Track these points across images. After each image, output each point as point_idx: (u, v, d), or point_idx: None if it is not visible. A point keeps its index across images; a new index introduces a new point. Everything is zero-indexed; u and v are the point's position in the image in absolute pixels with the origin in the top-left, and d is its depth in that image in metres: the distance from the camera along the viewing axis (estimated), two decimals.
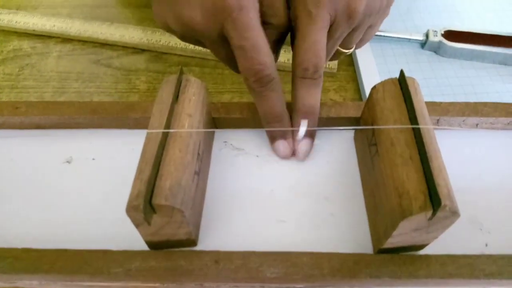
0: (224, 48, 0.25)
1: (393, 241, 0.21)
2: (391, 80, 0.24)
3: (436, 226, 0.20)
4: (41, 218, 0.25)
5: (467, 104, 0.29)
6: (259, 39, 0.23)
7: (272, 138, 0.27)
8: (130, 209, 0.19)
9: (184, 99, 0.23)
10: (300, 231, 0.24)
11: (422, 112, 0.22)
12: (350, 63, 0.42)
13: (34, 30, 0.49)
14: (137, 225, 0.20)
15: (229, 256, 0.22)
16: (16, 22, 0.50)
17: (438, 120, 0.28)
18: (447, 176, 0.20)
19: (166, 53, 0.45)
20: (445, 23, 0.43)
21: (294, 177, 0.27)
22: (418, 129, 0.21)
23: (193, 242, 0.23)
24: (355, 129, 0.29)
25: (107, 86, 0.42)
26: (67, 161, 0.27)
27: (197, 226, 0.23)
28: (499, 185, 0.26)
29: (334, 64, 0.41)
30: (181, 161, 0.20)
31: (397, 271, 0.21)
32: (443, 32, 0.42)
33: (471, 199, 0.25)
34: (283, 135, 0.27)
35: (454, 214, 0.19)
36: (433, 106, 0.28)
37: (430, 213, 0.19)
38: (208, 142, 0.26)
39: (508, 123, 0.29)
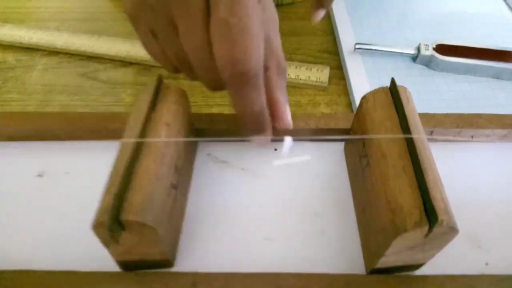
0: (202, 26, 0.19)
1: (386, 260, 0.19)
2: (382, 89, 0.23)
3: (433, 244, 0.18)
4: (6, 236, 0.23)
5: (461, 115, 0.28)
6: (254, 21, 0.18)
7: (249, 133, 0.22)
8: (97, 226, 0.17)
9: (162, 107, 0.22)
10: (288, 250, 0.22)
11: (414, 121, 0.21)
12: (342, 76, 0.41)
13: (20, 43, 0.48)
14: (106, 245, 0.19)
15: (208, 278, 0.20)
16: (3, 34, 0.49)
17: (432, 131, 0.27)
18: (443, 189, 0.18)
19: (154, 66, 0.44)
20: (436, 37, 0.43)
21: (282, 192, 0.25)
22: (411, 139, 0.19)
23: (170, 263, 0.21)
24: (345, 141, 0.27)
25: (93, 99, 0.41)
26: (39, 175, 0.25)
27: (174, 245, 0.22)
28: (497, 200, 0.25)
29: (325, 78, 0.40)
30: (155, 173, 0.19)
31: None
32: (434, 46, 0.41)
33: (468, 214, 0.24)
34: (261, 131, 0.22)
35: (452, 230, 0.17)
36: (427, 118, 0.27)
37: (426, 229, 0.17)
38: (189, 155, 0.25)
39: (504, 136, 0.28)
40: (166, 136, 0.20)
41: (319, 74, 0.40)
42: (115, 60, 0.45)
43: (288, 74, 0.40)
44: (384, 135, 0.20)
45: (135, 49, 0.45)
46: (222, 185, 0.25)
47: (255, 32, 0.18)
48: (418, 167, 0.18)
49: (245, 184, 0.26)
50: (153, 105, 0.21)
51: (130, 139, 0.19)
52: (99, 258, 0.21)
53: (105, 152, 0.26)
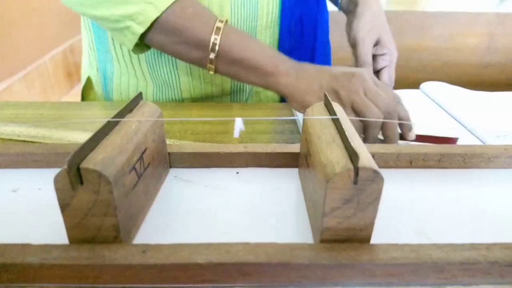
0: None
1: (329, 223, 0.20)
2: (318, 103, 0.28)
3: (364, 195, 0.20)
4: None
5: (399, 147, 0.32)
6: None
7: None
8: (58, 177, 0.19)
9: (137, 112, 0.26)
10: (243, 240, 0.23)
11: (341, 113, 0.25)
12: None
13: (18, 136, 0.53)
14: (63, 206, 0.20)
15: (159, 247, 0.20)
16: (4, 130, 0.54)
17: (373, 155, 0.31)
18: (367, 151, 0.21)
19: None
20: None
21: (240, 201, 0.27)
22: (337, 119, 0.23)
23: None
24: (299, 167, 0.30)
25: None
26: (13, 190, 0.27)
27: (128, 231, 0.22)
28: (440, 212, 0.27)
29: None
30: (120, 146, 0.22)
31: (338, 256, 0.20)
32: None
33: (419, 215, 0.26)
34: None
35: (377, 174, 0.19)
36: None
37: (352, 171, 0.19)
38: (158, 167, 0.27)
39: (439, 160, 0.31)
40: (136, 128, 0.24)
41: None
42: None
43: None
44: (318, 117, 0.24)
45: None
46: (185, 196, 0.27)
47: None
48: (343, 136, 0.22)
49: (206, 196, 0.27)
50: (130, 110, 0.26)
51: (102, 119, 0.22)
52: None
53: None
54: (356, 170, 0.19)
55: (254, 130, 0.48)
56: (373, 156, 0.30)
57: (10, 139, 0.53)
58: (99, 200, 0.20)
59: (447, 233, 0.24)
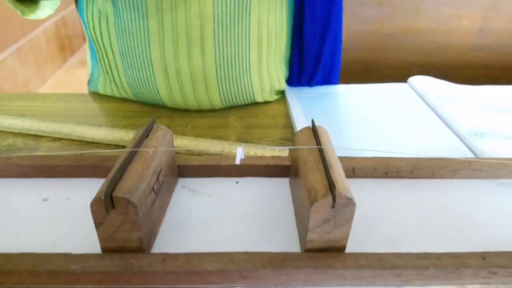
0: None
1: (312, 237, 0.25)
2: (306, 127, 0.32)
3: (340, 216, 0.25)
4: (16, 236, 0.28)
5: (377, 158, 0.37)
6: None
7: None
8: (94, 203, 0.24)
9: (152, 137, 0.30)
10: (240, 245, 0.28)
11: (325, 140, 0.29)
12: None
13: (29, 130, 0.57)
14: (97, 224, 0.24)
15: (176, 256, 0.25)
16: (15, 124, 0.58)
17: (353, 168, 0.35)
18: (344, 178, 0.26)
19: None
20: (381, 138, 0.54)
21: (240, 210, 0.32)
22: (321, 148, 0.28)
23: (144, 252, 0.26)
24: (289, 176, 0.35)
25: None
26: (44, 200, 0.32)
27: (149, 240, 0.27)
28: (409, 221, 0.32)
29: (285, 154, 0.49)
30: (141, 173, 0.26)
31: (318, 263, 0.25)
32: None
33: (387, 226, 0.31)
34: None
35: (350, 200, 0.24)
36: (346, 160, 0.36)
37: (330, 199, 0.24)
38: (170, 181, 0.32)
39: (411, 172, 0.36)
40: (153, 152, 0.28)
41: (280, 153, 0.49)
42: (110, 145, 0.54)
43: (255, 153, 0.48)
44: (306, 146, 0.29)
45: (128, 135, 0.54)
46: (192, 205, 0.32)
47: None
48: (326, 166, 0.26)
49: (210, 204, 0.32)
50: (146, 135, 0.30)
51: (126, 150, 0.27)
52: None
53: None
54: (334, 197, 0.24)
55: (250, 124, 0.52)
56: (353, 169, 0.35)
57: (21, 133, 0.57)
58: (127, 220, 0.25)
59: (411, 240, 0.29)
